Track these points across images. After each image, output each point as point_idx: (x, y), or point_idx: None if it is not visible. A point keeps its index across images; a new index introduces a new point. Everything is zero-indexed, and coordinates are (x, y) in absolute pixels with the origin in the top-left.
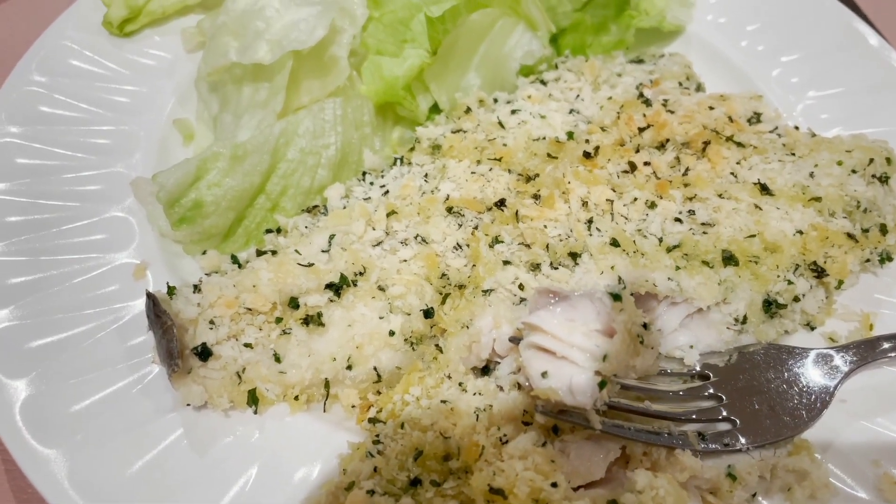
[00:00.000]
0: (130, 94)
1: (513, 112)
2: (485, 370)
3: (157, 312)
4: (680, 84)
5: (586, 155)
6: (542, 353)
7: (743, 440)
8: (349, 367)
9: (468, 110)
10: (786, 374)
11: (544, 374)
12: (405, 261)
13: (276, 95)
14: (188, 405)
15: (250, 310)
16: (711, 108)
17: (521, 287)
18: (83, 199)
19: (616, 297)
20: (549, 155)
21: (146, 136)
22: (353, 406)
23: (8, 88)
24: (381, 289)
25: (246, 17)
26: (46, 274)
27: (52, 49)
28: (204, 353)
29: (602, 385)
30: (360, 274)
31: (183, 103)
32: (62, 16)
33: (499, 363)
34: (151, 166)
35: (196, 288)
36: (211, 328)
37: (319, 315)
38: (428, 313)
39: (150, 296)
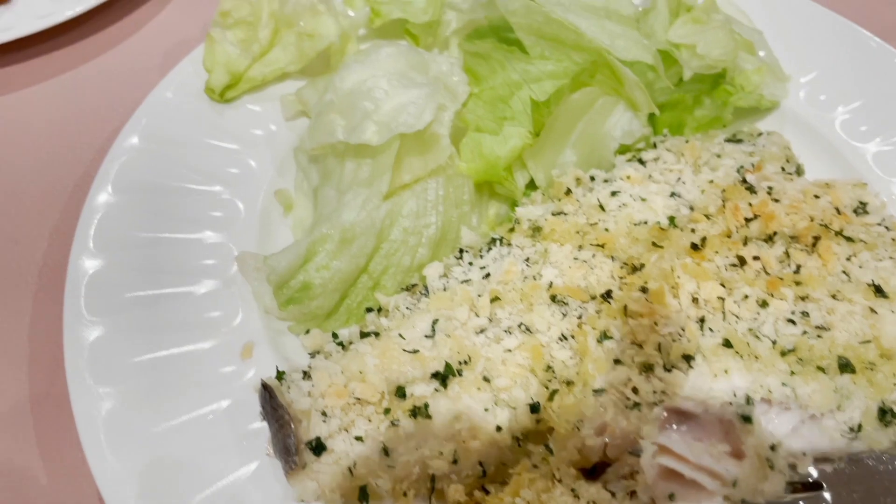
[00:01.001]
0: (233, 162)
1: (613, 194)
2: (590, 471)
3: (273, 405)
4: (782, 169)
5: (694, 246)
6: (669, 474)
7: None
8: (454, 462)
9: (568, 191)
10: None
11: (672, 497)
12: (509, 350)
13: (382, 175)
14: (301, 502)
15: (359, 399)
16: (817, 196)
17: (634, 390)
18: (188, 272)
19: (746, 419)
20: (653, 244)
21: (247, 207)
22: (458, 502)
23: (112, 156)
24: (486, 379)
25: (354, 96)
26: (155, 354)
27: (154, 116)
28: (318, 447)
29: None
30: (465, 363)
31: (281, 172)
32: (163, 82)
33: (608, 466)
34: (253, 237)
35: (305, 374)
36: (324, 420)
37: (426, 406)
38: (534, 408)
39: (266, 387)
